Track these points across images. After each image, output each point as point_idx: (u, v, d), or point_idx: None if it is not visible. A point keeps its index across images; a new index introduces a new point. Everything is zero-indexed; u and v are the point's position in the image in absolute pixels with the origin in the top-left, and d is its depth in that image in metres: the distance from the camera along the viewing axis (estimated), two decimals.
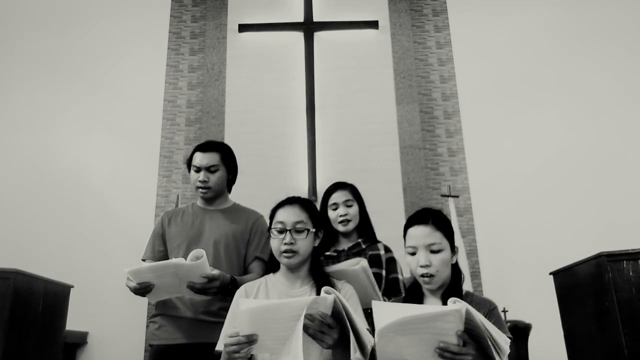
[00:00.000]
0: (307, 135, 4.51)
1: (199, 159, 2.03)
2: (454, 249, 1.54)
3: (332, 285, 1.56)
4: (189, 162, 2.09)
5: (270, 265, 1.66)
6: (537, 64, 4.81)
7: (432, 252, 1.50)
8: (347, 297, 1.56)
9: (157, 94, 4.72)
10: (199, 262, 1.66)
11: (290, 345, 1.22)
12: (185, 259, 1.68)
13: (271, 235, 1.58)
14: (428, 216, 1.55)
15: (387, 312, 1.20)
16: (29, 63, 4.80)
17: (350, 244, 2.08)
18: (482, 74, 4.78)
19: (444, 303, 1.48)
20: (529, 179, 4.45)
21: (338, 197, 2.12)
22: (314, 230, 1.59)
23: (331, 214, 2.11)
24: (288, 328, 1.24)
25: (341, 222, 2.08)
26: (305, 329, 1.25)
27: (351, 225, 2.09)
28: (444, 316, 1.21)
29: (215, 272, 1.71)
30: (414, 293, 1.58)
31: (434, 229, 1.52)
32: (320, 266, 1.66)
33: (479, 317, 1.24)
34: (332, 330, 1.28)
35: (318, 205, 2.18)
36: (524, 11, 5.01)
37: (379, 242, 2.16)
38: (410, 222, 1.58)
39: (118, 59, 4.82)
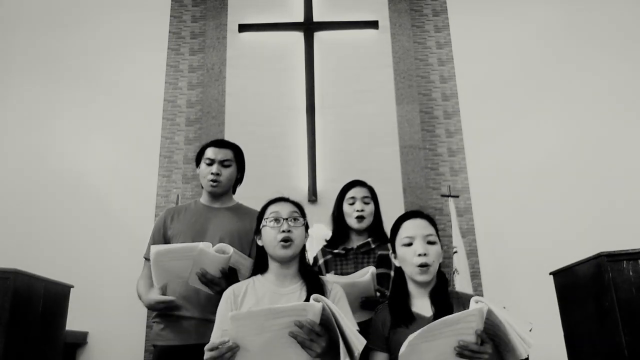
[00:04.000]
0: (307, 135, 4.51)
1: (213, 152, 2.05)
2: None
3: (322, 285, 1.55)
4: (198, 157, 2.10)
5: (258, 267, 1.64)
6: (538, 64, 4.81)
7: (429, 243, 1.52)
8: (337, 299, 1.55)
9: (157, 94, 4.71)
10: (224, 257, 1.68)
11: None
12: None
13: (265, 226, 1.57)
14: (422, 213, 1.64)
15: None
16: (29, 63, 4.80)
17: (360, 243, 2.07)
18: (482, 74, 4.78)
19: (432, 303, 1.49)
20: (529, 179, 4.45)
21: (356, 192, 2.12)
22: (305, 223, 1.61)
23: (347, 208, 2.10)
24: (277, 335, 1.25)
25: (357, 217, 2.07)
26: (294, 336, 1.25)
27: (365, 223, 2.08)
28: (467, 316, 1.24)
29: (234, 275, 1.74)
30: (400, 295, 1.57)
31: (430, 224, 1.59)
32: (309, 264, 1.67)
33: (501, 314, 1.26)
34: (320, 339, 1.27)
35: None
36: (524, 11, 5.01)
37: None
38: (406, 216, 1.65)
39: (118, 59, 4.82)
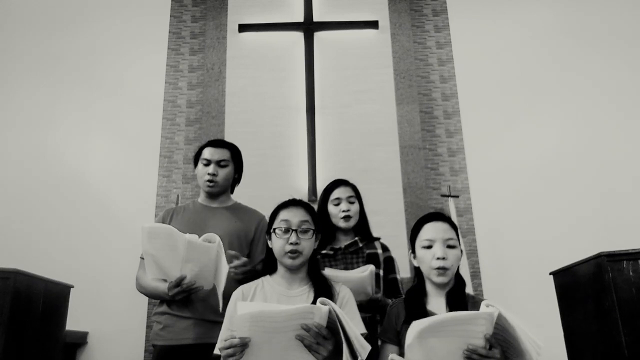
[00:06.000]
0: (307, 135, 4.51)
1: (210, 153, 2.06)
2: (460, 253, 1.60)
3: (330, 288, 1.56)
4: (196, 157, 2.10)
5: (267, 267, 1.65)
6: (538, 64, 4.81)
7: (449, 247, 1.54)
8: (345, 301, 1.56)
9: (157, 94, 4.71)
10: (212, 245, 1.66)
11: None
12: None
13: (275, 234, 1.57)
14: (445, 216, 1.64)
15: (422, 320, 1.23)
16: (29, 63, 4.80)
17: (348, 242, 2.07)
18: (482, 74, 4.78)
19: (448, 304, 1.50)
20: (529, 179, 4.45)
21: (341, 192, 2.11)
22: (316, 231, 1.60)
23: (332, 209, 2.09)
24: (283, 338, 1.25)
25: (343, 217, 2.06)
26: (301, 339, 1.25)
27: (352, 222, 2.08)
28: (477, 319, 1.24)
29: (243, 258, 1.74)
30: (417, 292, 1.59)
31: (451, 228, 1.60)
32: (319, 267, 1.66)
33: (512, 318, 1.26)
34: (327, 342, 1.28)
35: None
36: (524, 11, 5.01)
37: (376, 239, 2.14)
38: (427, 218, 1.64)
39: (118, 59, 4.82)
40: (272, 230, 1.60)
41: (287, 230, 1.55)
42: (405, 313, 1.55)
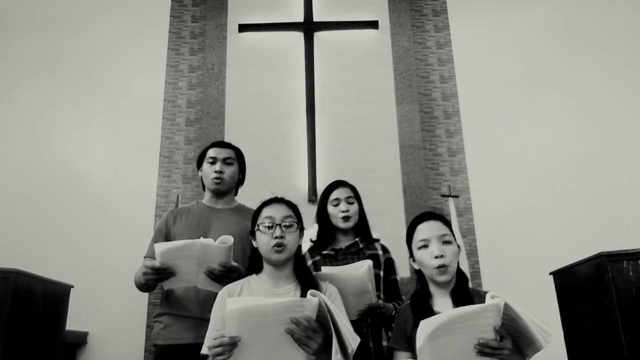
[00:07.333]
0: (307, 135, 4.51)
1: (216, 151, 2.09)
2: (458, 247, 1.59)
3: (317, 285, 1.56)
4: (200, 158, 2.12)
5: (253, 266, 1.65)
6: (537, 64, 4.81)
7: (445, 243, 1.53)
8: (331, 299, 1.55)
9: (157, 94, 4.71)
10: (226, 246, 1.67)
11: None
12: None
13: (259, 231, 1.58)
14: (435, 214, 1.63)
15: (431, 321, 1.23)
16: (29, 63, 4.80)
17: (348, 243, 2.07)
18: (482, 74, 4.79)
19: (454, 301, 1.50)
20: (529, 179, 4.45)
21: (340, 193, 2.11)
22: (300, 226, 1.62)
23: (332, 210, 2.10)
24: (273, 332, 1.24)
25: (342, 218, 2.07)
26: (291, 333, 1.25)
27: (352, 222, 2.08)
28: (484, 312, 1.23)
29: (234, 264, 1.72)
30: (421, 295, 1.58)
31: (443, 224, 1.59)
32: (305, 264, 1.67)
33: (519, 307, 1.26)
34: (317, 335, 1.28)
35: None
36: (524, 11, 5.02)
37: (376, 240, 2.14)
38: (419, 219, 1.64)
39: (118, 59, 4.82)
40: (256, 228, 1.61)
41: (271, 226, 1.56)
42: (412, 317, 1.53)
